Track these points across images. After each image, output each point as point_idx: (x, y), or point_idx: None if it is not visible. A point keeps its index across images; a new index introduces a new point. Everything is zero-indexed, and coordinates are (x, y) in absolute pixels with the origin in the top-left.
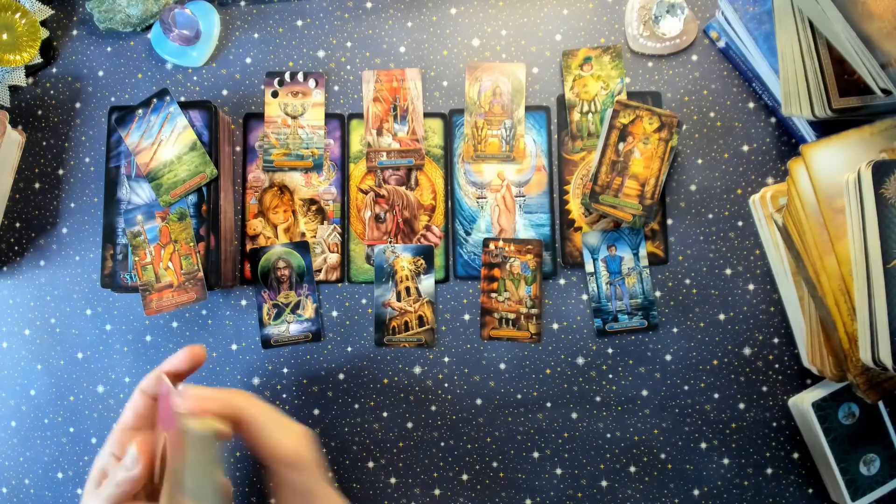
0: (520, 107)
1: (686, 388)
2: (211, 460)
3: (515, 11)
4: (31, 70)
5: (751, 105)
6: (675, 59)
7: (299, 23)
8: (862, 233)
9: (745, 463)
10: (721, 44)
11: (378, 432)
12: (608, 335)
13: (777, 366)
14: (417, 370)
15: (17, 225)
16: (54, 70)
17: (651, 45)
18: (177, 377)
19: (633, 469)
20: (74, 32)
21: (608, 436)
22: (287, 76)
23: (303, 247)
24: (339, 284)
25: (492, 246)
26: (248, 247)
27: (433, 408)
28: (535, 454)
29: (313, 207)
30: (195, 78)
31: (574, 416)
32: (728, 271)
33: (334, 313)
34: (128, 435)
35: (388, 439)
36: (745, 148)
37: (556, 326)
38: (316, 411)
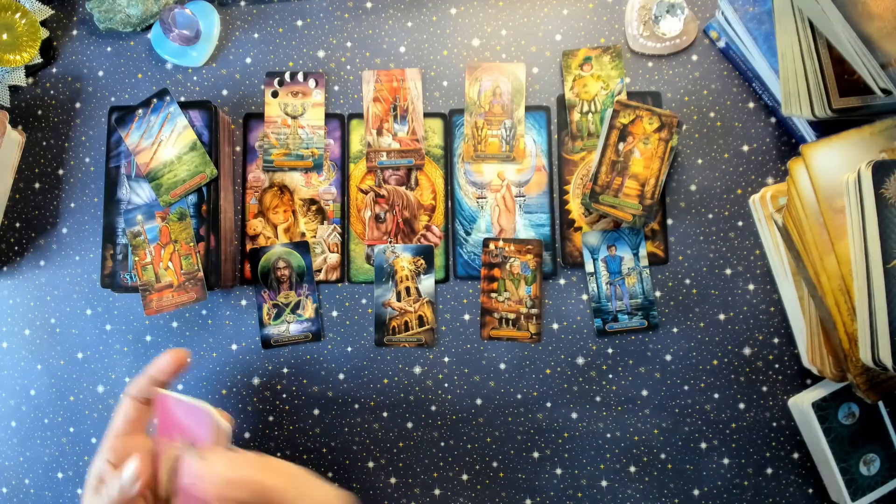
0: (520, 107)
1: (686, 388)
2: None
3: (515, 11)
4: (31, 70)
5: (751, 105)
6: (675, 59)
7: (299, 23)
8: (862, 233)
9: (745, 463)
10: (721, 44)
11: (378, 432)
12: (608, 335)
13: (777, 366)
14: (417, 370)
15: (17, 225)
16: (54, 70)
17: (651, 45)
18: (163, 381)
19: (633, 469)
20: (74, 32)
21: (608, 436)
22: (287, 76)
23: (303, 247)
24: (339, 284)
25: (492, 246)
26: (248, 247)
27: (433, 408)
28: (535, 454)
29: (313, 207)
30: (195, 78)
31: (574, 416)
32: (728, 271)
33: (334, 313)
34: (121, 441)
35: (388, 439)
36: (745, 148)
37: (556, 326)
38: (316, 411)
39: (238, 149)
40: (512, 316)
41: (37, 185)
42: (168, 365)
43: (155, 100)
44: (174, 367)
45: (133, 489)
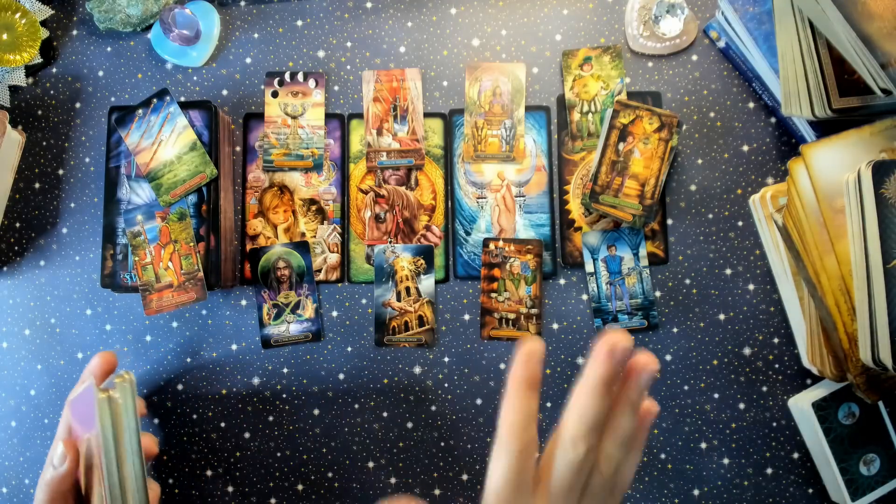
0: (520, 107)
1: (686, 388)
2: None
3: (515, 11)
4: (31, 70)
5: (751, 105)
6: (675, 59)
7: (299, 23)
8: (862, 233)
9: (745, 463)
10: (721, 44)
11: (378, 432)
12: None
13: (777, 366)
14: (417, 370)
15: (17, 225)
16: (54, 70)
17: (651, 45)
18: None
19: None
20: (74, 32)
21: None
22: (287, 76)
23: (303, 247)
24: (339, 284)
25: (492, 246)
26: (248, 247)
27: (433, 408)
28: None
29: (313, 207)
30: (195, 78)
31: None
32: (728, 271)
33: (334, 313)
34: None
35: (388, 439)
36: (745, 148)
37: (556, 326)
38: (316, 411)
39: (238, 149)
40: (512, 316)
41: (37, 185)
42: (96, 367)
43: (155, 100)
44: (102, 369)
45: (62, 468)
